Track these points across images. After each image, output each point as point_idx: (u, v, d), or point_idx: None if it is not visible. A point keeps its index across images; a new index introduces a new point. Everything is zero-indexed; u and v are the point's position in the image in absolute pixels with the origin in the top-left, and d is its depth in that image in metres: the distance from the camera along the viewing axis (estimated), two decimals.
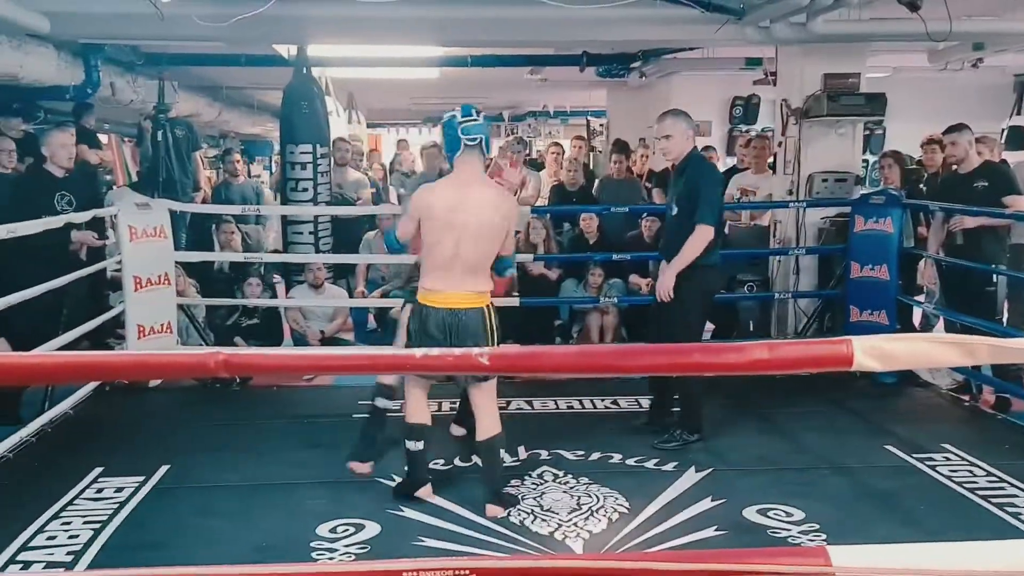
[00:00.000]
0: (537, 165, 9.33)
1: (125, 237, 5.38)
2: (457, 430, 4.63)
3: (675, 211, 4.56)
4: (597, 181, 8.23)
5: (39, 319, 4.84)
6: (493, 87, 12.11)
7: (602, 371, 1.39)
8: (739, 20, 5.88)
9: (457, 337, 3.64)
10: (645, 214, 6.75)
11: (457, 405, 4.72)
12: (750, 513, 3.74)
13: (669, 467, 4.29)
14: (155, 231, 5.49)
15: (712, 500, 3.87)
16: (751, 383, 5.37)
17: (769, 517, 3.70)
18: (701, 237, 4.39)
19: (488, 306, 3.75)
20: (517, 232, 4.20)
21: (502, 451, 3.92)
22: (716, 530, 3.57)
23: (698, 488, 4.02)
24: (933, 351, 1.42)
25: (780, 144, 6.78)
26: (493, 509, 3.73)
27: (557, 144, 11.27)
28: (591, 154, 11.30)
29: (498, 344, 3.77)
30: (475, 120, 3.75)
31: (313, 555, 3.40)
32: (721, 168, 7.18)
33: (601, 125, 13.61)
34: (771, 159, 7.03)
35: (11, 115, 6.50)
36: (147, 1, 4.57)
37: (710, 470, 4.23)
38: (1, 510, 3.80)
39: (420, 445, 3.88)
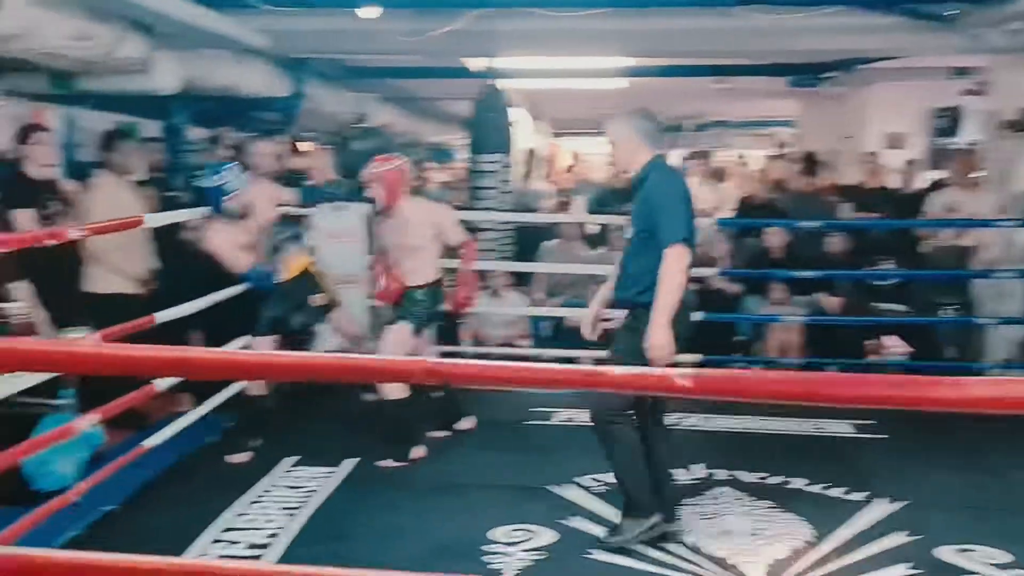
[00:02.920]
0: (720, 176, 9.12)
1: (321, 238, 5.69)
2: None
3: (630, 233, 3.61)
4: (784, 195, 7.93)
5: (235, 312, 5.17)
6: (676, 96, 11.95)
7: (818, 400, 1.33)
8: (948, 27, 5.53)
9: None
10: (834, 230, 6.45)
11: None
12: (947, 553, 3.47)
13: (858, 496, 4.04)
14: (348, 233, 5.77)
15: (906, 535, 3.62)
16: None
17: (969, 558, 3.43)
18: (675, 261, 3.35)
19: None
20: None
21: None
22: (910, 568, 3.35)
23: (890, 520, 3.78)
24: None
25: (989, 159, 6.32)
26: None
27: (743, 156, 11.02)
28: (779, 167, 10.93)
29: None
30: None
31: (486, 559, 3.46)
32: (924, 183, 6.77)
33: (790, 136, 13.15)
34: (978, 174, 6.55)
35: (226, 125, 7.03)
36: (353, 17, 4.84)
37: (905, 502, 3.96)
38: (206, 492, 4.11)
39: None
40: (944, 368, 5.72)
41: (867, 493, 4.07)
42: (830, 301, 6.29)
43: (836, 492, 4.12)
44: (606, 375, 1.46)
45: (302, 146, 8.51)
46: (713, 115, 14.73)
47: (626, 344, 3.50)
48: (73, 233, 3.19)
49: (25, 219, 4.70)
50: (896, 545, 3.55)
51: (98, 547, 2.84)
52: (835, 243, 6.38)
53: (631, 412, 3.56)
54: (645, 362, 3.29)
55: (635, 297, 3.51)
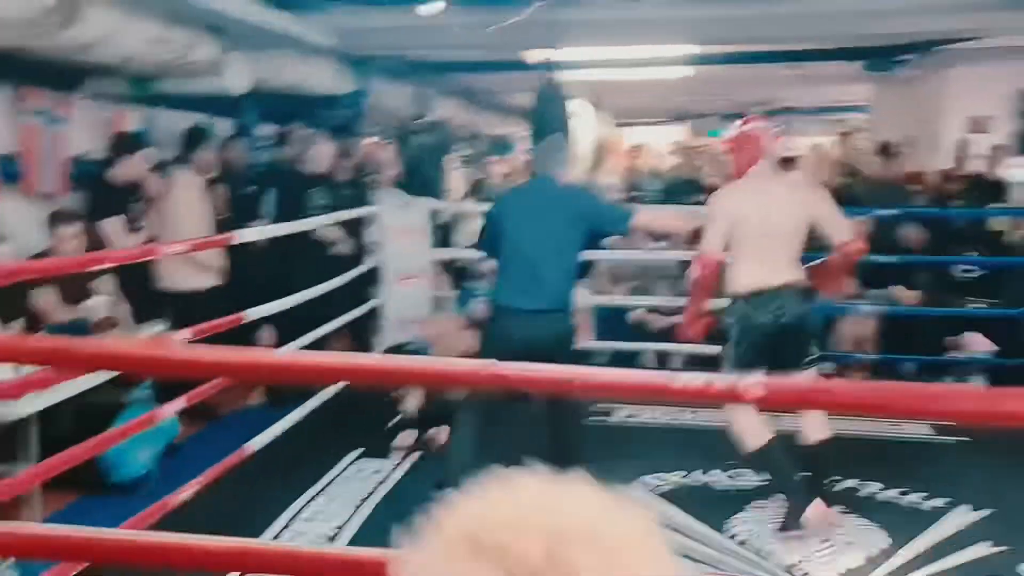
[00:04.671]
0: (790, 164, 8.85)
1: (386, 235, 5.74)
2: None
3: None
4: (858, 182, 7.72)
5: (304, 310, 5.23)
6: (743, 83, 11.73)
7: (902, 415, 1.28)
8: None
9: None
10: (911, 219, 6.23)
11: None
12: None
13: (938, 503, 3.87)
14: (413, 229, 5.82)
15: (990, 546, 3.45)
16: None
17: None
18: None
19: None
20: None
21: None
22: None
23: (972, 531, 3.60)
24: None
25: None
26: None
27: (816, 143, 10.73)
28: (850, 149, 10.65)
29: None
30: None
31: None
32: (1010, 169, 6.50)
33: (863, 122, 12.78)
34: None
35: (294, 122, 7.12)
36: (416, 14, 4.86)
37: (989, 511, 3.75)
38: (278, 483, 4.19)
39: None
40: None
41: (947, 500, 3.89)
42: (907, 294, 6.11)
43: (913, 498, 3.96)
44: (673, 384, 1.44)
45: (366, 142, 8.61)
46: (782, 102, 14.42)
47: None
48: (166, 249, 3.28)
49: (113, 228, 4.86)
50: (979, 557, 3.39)
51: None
52: (912, 233, 6.18)
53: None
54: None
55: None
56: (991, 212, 6.58)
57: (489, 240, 4.01)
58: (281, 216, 5.37)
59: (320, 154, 5.77)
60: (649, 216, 4.25)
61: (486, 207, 6.60)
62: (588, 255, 6.60)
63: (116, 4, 4.05)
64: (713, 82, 10.83)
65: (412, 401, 4.82)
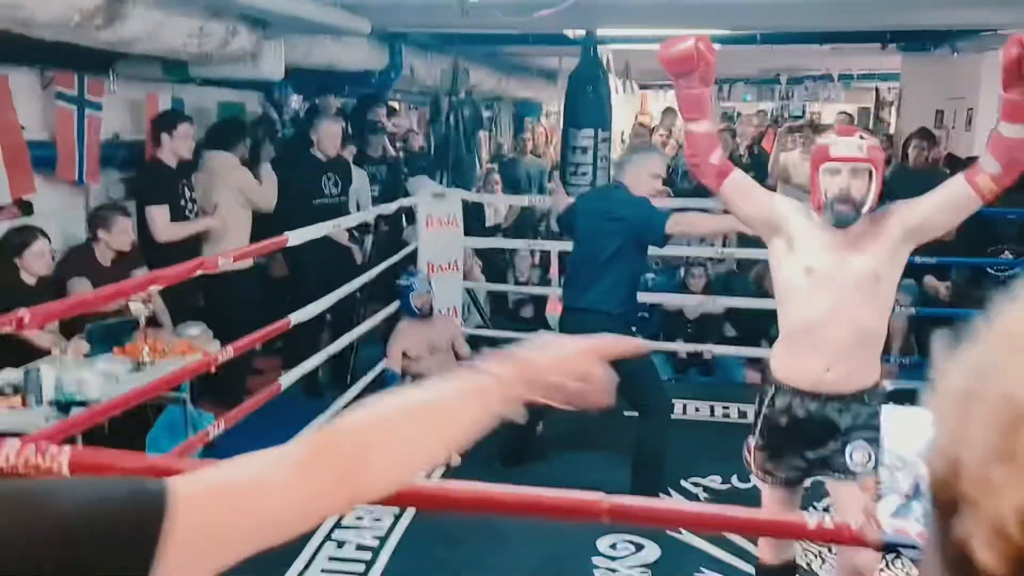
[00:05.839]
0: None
1: (422, 225, 5.73)
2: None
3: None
4: (895, 170, 7.59)
5: (334, 310, 5.14)
6: (773, 52, 11.53)
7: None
8: None
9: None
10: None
11: None
12: None
13: None
14: (448, 220, 5.80)
15: None
16: None
17: None
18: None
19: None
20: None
21: None
22: None
23: None
24: None
25: None
26: None
27: (845, 113, 10.53)
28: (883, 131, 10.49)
29: None
30: None
31: (595, 572, 3.51)
32: None
33: (890, 90, 12.56)
34: None
35: (328, 93, 7.08)
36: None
37: None
38: None
39: None
40: None
41: None
42: (939, 286, 6.08)
43: None
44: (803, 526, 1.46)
45: (394, 105, 8.51)
46: (810, 69, 14.18)
47: None
48: (221, 261, 3.28)
49: (161, 216, 4.83)
50: None
51: None
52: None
53: None
54: None
55: None
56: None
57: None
58: (291, 204, 5.36)
59: (328, 136, 5.63)
60: (683, 223, 4.22)
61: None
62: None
63: (158, 3, 3.99)
64: (740, 50, 10.62)
65: None
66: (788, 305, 2.76)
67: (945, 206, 2.65)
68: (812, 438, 2.70)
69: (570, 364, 1.00)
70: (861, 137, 2.69)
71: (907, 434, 1.88)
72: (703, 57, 2.68)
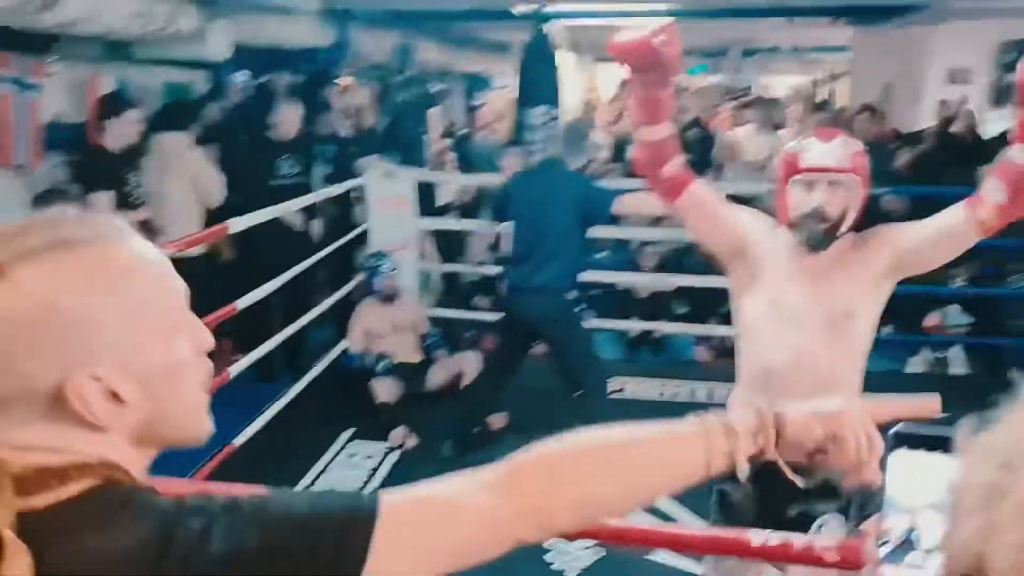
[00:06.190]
0: (778, 123, 8.30)
1: (373, 207, 5.68)
2: None
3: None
4: None
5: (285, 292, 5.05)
6: (724, 25, 11.58)
7: None
8: None
9: None
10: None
11: None
12: None
13: None
14: (400, 200, 5.75)
15: None
16: None
17: None
18: None
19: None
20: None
21: None
22: None
23: None
24: None
25: None
26: None
27: (795, 85, 10.57)
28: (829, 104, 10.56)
29: None
30: None
31: (548, 559, 3.55)
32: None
33: (842, 64, 12.66)
34: None
35: (276, 71, 6.93)
36: None
37: None
38: (277, 466, 4.14)
39: None
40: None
41: None
42: None
43: None
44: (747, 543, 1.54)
45: (344, 82, 8.37)
46: (760, 42, 14.27)
47: None
48: (168, 254, 3.19)
49: (103, 203, 4.67)
50: None
51: None
52: (893, 205, 6.11)
53: None
54: None
55: None
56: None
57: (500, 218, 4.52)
58: (245, 186, 5.24)
59: (287, 119, 5.47)
60: (631, 203, 4.20)
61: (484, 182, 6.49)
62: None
63: None
64: (692, 22, 10.65)
65: (384, 390, 4.80)
66: (746, 343, 2.32)
67: (944, 234, 2.17)
68: (772, 508, 2.20)
69: (829, 425, 0.93)
70: (843, 141, 2.21)
71: (907, 479, 1.66)
72: (665, 47, 2.06)
